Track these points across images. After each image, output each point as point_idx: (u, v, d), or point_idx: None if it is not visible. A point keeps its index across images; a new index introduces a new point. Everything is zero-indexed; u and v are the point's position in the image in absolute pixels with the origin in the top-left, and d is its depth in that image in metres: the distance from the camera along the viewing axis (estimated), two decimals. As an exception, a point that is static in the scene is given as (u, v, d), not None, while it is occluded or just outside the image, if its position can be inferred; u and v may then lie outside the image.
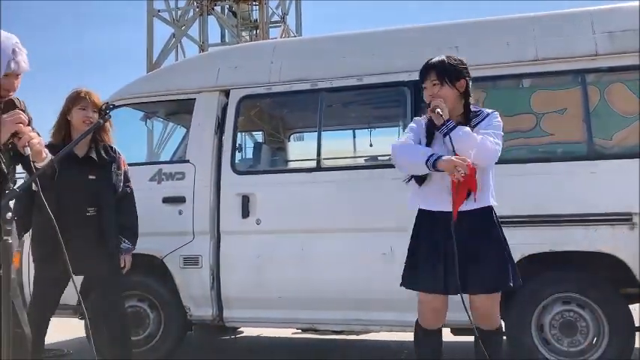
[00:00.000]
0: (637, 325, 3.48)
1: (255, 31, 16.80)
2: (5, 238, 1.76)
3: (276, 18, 17.78)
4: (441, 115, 2.56)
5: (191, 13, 16.58)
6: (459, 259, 2.53)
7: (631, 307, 3.52)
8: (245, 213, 4.00)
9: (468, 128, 2.57)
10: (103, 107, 2.15)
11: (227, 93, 4.25)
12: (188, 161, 4.20)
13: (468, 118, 2.67)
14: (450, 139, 2.53)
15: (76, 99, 3.15)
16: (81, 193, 3.16)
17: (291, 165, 5.48)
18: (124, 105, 4.39)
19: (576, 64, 3.63)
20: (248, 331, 5.48)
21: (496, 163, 3.64)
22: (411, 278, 2.74)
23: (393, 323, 3.84)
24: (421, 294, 2.73)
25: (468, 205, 2.59)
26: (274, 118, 5.67)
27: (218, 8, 16.61)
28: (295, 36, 16.53)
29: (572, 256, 3.51)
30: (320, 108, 4.08)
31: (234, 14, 16.72)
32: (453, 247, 2.53)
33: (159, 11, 16.30)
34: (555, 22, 3.76)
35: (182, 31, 16.29)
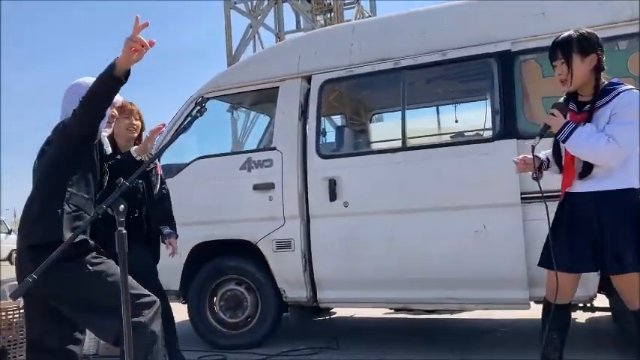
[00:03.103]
0: None
1: (329, 14, 16.78)
2: (119, 228, 1.89)
3: (349, -1, 17.67)
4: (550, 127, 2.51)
5: (266, 3, 16.79)
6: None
7: None
8: (332, 196, 4.05)
9: (583, 133, 2.41)
10: (198, 101, 2.24)
11: (309, 79, 4.31)
12: (275, 148, 4.30)
13: (596, 98, 2.48)
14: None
15: (120, 108, 3.32)
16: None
17: (375, 146, 5.47)
18: (212, 98, 4.55)
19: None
20: (341, 312, 5.58)
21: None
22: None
23: (489, 301, 3.78)
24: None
25: (577, 187, 2.53)
26: (355, 100, 5.67)
27: (292, -5, 16.72)
28: (370, 16, 16.36)
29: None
30: (403, 86, 4.04)
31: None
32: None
33: (235, 3, 16.62)
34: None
35: (258, 21, 16.54)
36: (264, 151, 4.51)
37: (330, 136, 5.24)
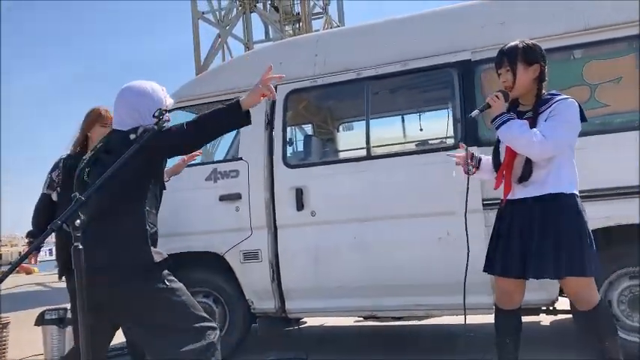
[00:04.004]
0: None
1: (298, 24, 16.85)
2: (75, 244, 1.86)
3: (318, 9, 17.78)
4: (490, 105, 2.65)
5: (234, 12, 16.77)
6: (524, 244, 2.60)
7: None
8: (299, 206, 4.06)
9: (516, 123, 2.56)
10: (156, 113, 2.23)
11: (274, 89, 4.30)
12: (241, 158, 4.30)
13: (537, 105, 2.63)
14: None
15: (98, 117, 3.36)
16: None
17: (342, 155, 5.50)
18: (176, 109, 4.52)
19: (629, 30, 3.48)
20: (311, 321, 5.57)
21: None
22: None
23: (455, 307, 3.81)
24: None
25: (518, 194, 2.66)
26: (322, 109, 5.70)
27: (260, 5, 16.75)
28: (338, 26, 16.50)
29: (636, 230, 3.38)
30: (366, 96, 4.08)
31: (276, 9, 16.83)
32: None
33: (203, 13, 16.56)
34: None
35: (227, 31, 16.49)
36: (230, 161, 4.50)
37: (297, 146, 5.26)
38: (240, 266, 4.20)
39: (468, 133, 3.70)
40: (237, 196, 4.23)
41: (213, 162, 4.72)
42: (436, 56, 3.86)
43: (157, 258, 2.27)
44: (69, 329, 4.23)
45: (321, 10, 17.69)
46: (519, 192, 2.66)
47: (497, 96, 2.63)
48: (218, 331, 2.34)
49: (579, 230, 2.54)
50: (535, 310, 3.82)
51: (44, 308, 4.47)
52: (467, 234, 2.87)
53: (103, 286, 2.14)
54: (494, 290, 2.86)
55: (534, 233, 2.58)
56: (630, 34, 3.47)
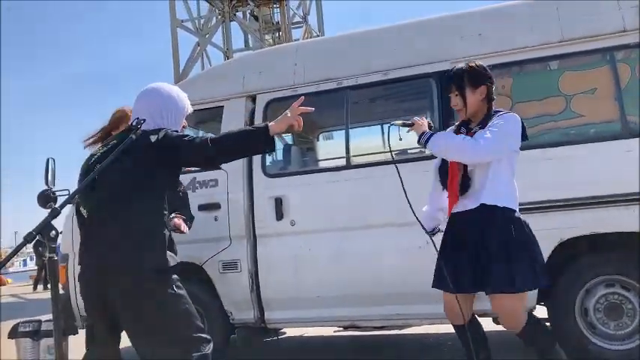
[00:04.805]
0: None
1: (277, 34, 16.90)
2: (51, 255, 1.83)
3: (297, 19, 17.84)
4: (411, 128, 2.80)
5: (214, 21, 16.74)
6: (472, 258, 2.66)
7: None
8: (279, 215, 4.05)
9: (441, 134, 2.72)
10: (134, 123, 2.21)
11: (254, 98, 4.30)
12: (220, 168, 4.26)
13: (483, 121, 2.71)
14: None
15: (125, 117, 3.27)
16: None
17: (322, 164, 5.50)
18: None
19: (604, 42, 3.56)
20: (291, 332, 5.54)
21: (526, 149, 3.54)
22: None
23: (434, 316, 3.82)
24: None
25: (459, 207, 2.75)
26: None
27: (240, 14, 16.76)
28: (318, 35, 16.58)
29: (611, 238, 3.44)
30: (346, 106, 4.10)
31: (256, 18, 16.86)
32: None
33: (182, 21, 16.49)
34: (579, 1, 3.69)
35: (206, 40, 16.46)
36: (210, 170, 4.46)
37: (276, 155, 5.24)
38: (219, 276, 4.16)
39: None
40: (216, 206, 4.19)
41: (192, 171, 4.68)
42: (416, 66, 3.89)
43: (171, 262, 2.28)
44: (43, 341, 4.15)
45: (301, 20, 17.77)
46: (459, 205, 2.74)
47: (421, 120, 2.75)
48: (212, 344, 2.33)
49: (510, 243, 2.57)
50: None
51: (18, 320, 4.37)
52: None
53: (114, 284, 2.15)
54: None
55: (471, 247, 2.64)
56: (604, 46, 3.54)
